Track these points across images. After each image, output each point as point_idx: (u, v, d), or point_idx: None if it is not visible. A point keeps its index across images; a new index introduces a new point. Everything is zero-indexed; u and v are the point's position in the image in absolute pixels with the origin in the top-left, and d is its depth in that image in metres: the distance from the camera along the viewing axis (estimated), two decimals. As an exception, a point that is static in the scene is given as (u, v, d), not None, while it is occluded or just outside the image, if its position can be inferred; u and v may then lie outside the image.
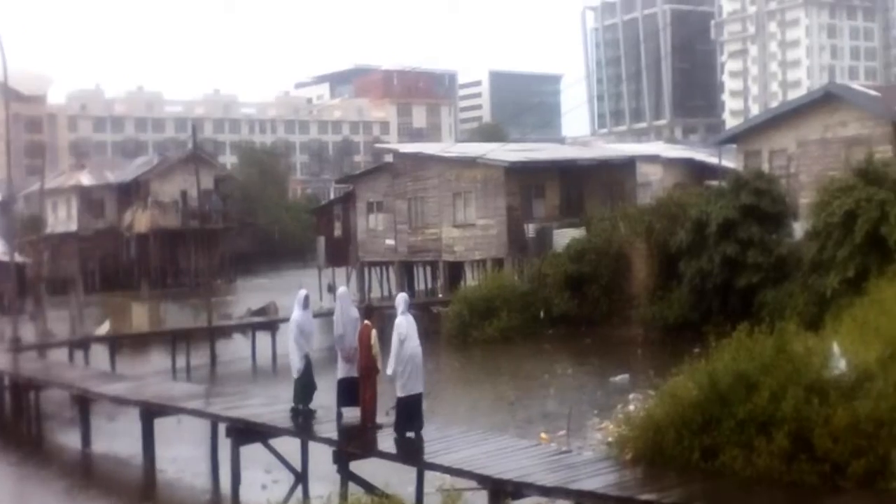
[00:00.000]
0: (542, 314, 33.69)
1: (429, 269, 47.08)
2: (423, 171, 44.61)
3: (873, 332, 13.67)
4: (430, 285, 46.67)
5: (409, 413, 14.30)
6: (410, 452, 14.11)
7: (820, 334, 14.40)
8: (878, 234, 23.98)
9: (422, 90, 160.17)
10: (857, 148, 30.57)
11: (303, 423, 16.10)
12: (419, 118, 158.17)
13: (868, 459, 10.36)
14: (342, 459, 14.47)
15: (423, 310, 40.39)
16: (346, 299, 16.51)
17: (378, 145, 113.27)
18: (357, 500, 11.96)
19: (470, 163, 42.51)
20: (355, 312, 16.18)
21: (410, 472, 14.02)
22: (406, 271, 47.17)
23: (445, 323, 34.45)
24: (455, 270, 42.94)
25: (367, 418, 15.09)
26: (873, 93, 36.76)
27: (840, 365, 11.84)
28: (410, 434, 14.32)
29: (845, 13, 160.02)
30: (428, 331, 37.25)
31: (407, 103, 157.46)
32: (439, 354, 30.72)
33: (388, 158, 51.43)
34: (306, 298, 16.69)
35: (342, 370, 15.73)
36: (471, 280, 40.37)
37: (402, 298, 14.88)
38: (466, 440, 14.84)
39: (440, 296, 41.69)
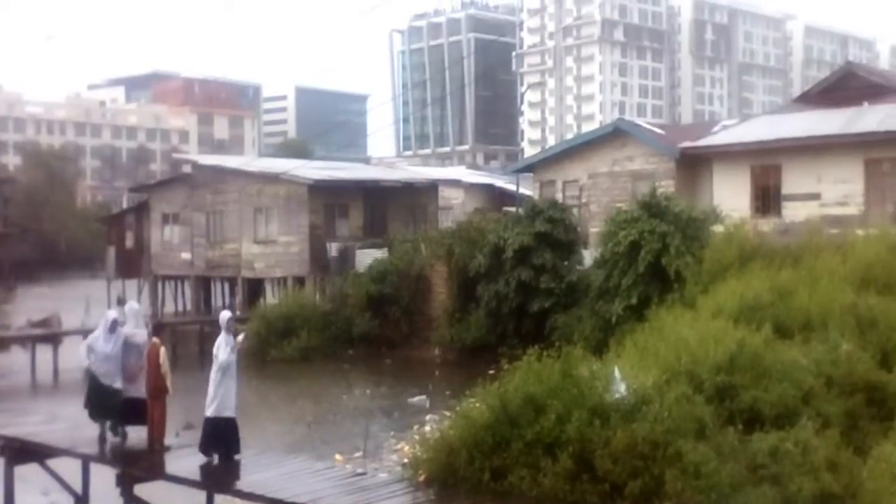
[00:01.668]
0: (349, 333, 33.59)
1: (227, 285, 46.14)
2: (223, 184, 43.74)
3: (652, 357, 14.33)
4: (228, 302, 45.74)
5: (218, 434, 13.91)
6: (201, 476, 13.72)
7: (604, 359, 15.07)
8: (660, 264, 25.36)
9: (224, 100, 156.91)
10: (643, 182, 32.30)
11: (86, 443, 15.39)
12: (221, 129, 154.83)
13: (644, 480, 10.82)
14: (125, 482, 13.97)
15: (218, 327, 39.58)
16: (132, 316, 15.87)
17: (176, 155, 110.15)
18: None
19: (273, 178, 42.06)
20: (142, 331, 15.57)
21: (200, 496, 13.64)
22: (203, 286, 46.04)
23: (243, 341, 33.82)
24: (255, 287, 42.31)
25: (154, 439, 14.63)
26: (658, 130, 38.92)
27: (621, 389, 12.28)
28: (215, 455, 13.94)
29: (636, 52, 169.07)
30: (225, 349, 36.30)
31: (208, 113, 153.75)
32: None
33: (187, 169, 50.17)
34: (114, 323, 15.55)
35: (126, 390, 15.17)
36: (271, 298, 39.87)
37: (224, 316, 14.54)
38: (260, 462, 14.58)
39: (238, 313, 40.83)
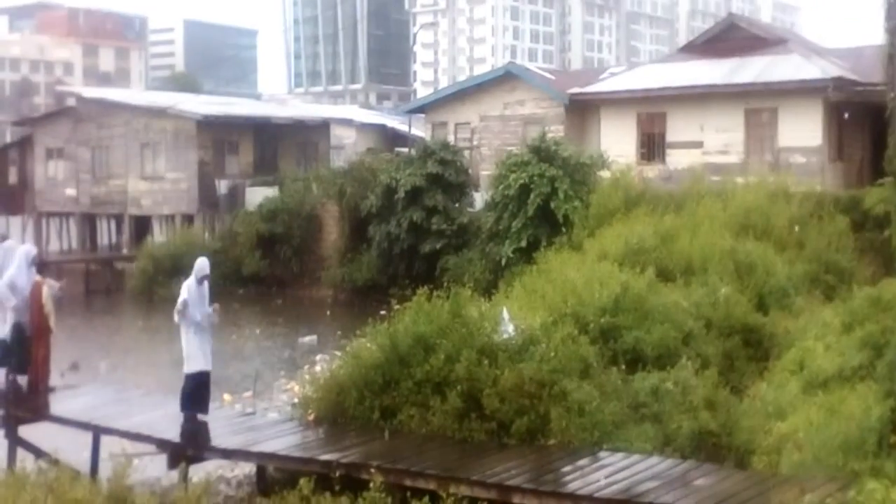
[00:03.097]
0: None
1: (113, 222, 44.88)
2: (109, 118, 42.29)
3: (540, 299, 14.69)
4: (114, 240, 44.55)
5: (200, 391, 13.23)
6: (87, 416, 13.54)
7: (493, 300, 15.35)
8: (549, 207, 25.78)
9: (110, 32, 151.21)
10: (533, 126, 32.68)
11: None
12: (107, 61, 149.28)
13: (530, 418, 11.15)
14: (9, 424, 13.67)
15: (106, 265, 38.65)
16: (12, 253, 15.35)
17: (60, 87, 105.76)
18: (23, 468, 11.33)
19: (160, 112, 40.89)
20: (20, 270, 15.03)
21: (86, 437, 13.42)
22: (88, 223, 44.67)
23: (130, 280, 33.17)
24: (142, 225, 41.25)
25: (38, 380, 14.30)
26: (549, 76, 39.23)
27: (509, 329, 12.53)
28: (202, 416, 13.24)
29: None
30: (111, 288, 35.72)
31: (93, 45, 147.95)
32: (122, 313, 29.57)
33: (72, 102, 48.27)
34: (34, 257, 14.97)
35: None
36: (159, 236, 39.03)
37: (201, 263, 13.49)
38: (146, 403, 14.52)
39: (125, 251, 40.03)
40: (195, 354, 13.06)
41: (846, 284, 16.79)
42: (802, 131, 28.46)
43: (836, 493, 8.75)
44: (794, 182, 23.58)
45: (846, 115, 28.74)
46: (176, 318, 13.10)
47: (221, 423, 13.26)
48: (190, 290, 13.07)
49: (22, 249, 15.21)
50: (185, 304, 12.95)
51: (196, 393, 13.03)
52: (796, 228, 20.37)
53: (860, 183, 27.01)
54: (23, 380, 14.53)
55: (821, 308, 15.44)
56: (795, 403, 11.01)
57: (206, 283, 13.37)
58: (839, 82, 28.16)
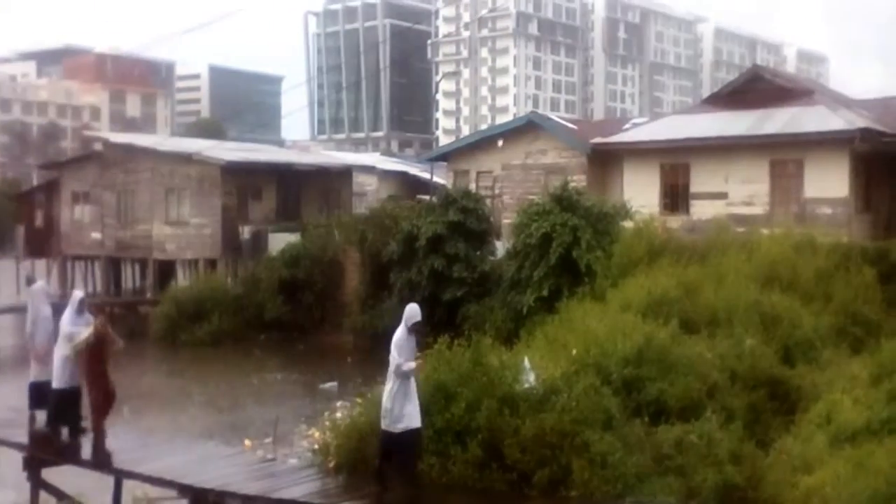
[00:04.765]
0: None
1: (138, 266, 45.25)
2: (135, 163, 42.78)
3: (561, 348, 14.56)
4: (138, 284, 44.88)
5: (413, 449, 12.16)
6: (110, 460, 13.54)
7: (514, 349, 15.29)
8: (571, 257, 25.68)
9: (137, 78, 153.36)
10: (555, 175, 32.65)
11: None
12: (133, 107, 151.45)
13: (552, 469, 11.05)
14: (32, 466, 13.68)
15: (129, 309, 38.86)
16: (41, 295, 15.52)
17: (87, 132, 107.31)
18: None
19: (185, 159, 41.34)
20: (48, 310, 15.22)
21: (108, 481, 13.42)
22: (113, 267, 45.06)
23: (153, 324, 33.32)
24: (166, 269, 41.58)
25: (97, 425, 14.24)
26: (571, 125, 39.36)
27: (530, 379, 12.48)
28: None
29: (549, 47, 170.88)
30: (134, 331, 35.86)
31: (120, 90, 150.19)
32: (145, 356, 29.64)
33: (98, 147, 48.94)
34: (81, 302, 14.73)
35: (35, 372, 14.83)
36: (182, 280, 39.26)
37: (412, 311, 11.99)
38: (168, 447, 14.51)
39: (149, 295, 40.24)
40: (410, 412, 11.43)
41: (874, 337, 16.55)
42: (829, 182, 28.35)
43: (864, 550, 8.59)
44: (820, 233, 23.44)
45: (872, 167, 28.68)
46: (395, 375, 11.51)
47: (241, 469, 13.24)
48: (400, 343, 11.65)
49: (76, 295, 15.09)
50: (407, 371, 11.46)
51: (410, 452, 11.50)
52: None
53: (887, 234, 26.90)
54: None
55: (848, 361, 15.29)
56: (822, 457, 10.87)
57: (415, 334, 11.96)
58: (866, 133, 28.10)
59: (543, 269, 26.01)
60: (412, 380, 11.51)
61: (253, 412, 20.89)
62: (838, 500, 9.60)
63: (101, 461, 13.54)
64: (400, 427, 11.32)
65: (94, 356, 14.11)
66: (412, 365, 11.42)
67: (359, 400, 14.43)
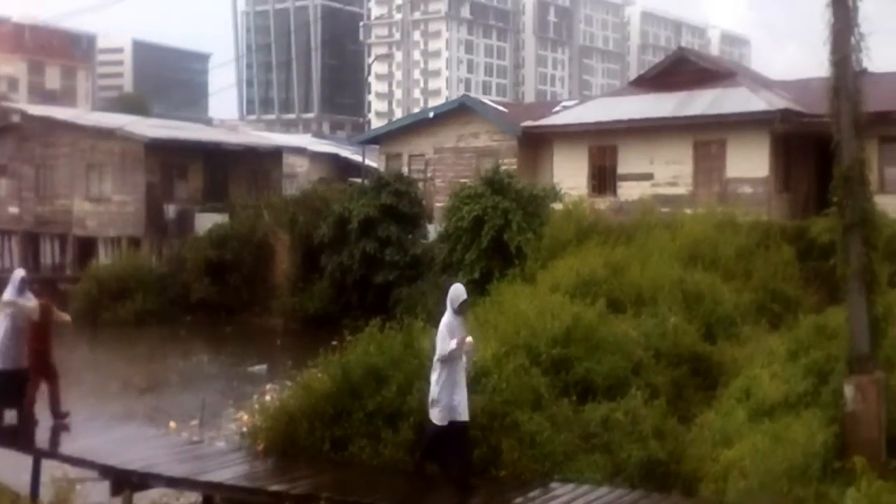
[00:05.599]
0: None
1: (57, 242, 44.15)
2: (54, 136, 41.78)
3: (492, 330, 14.64)
4: (58, 260, 43.81)
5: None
6: (25, 440, 13.25)
7: (445, 331, 15.30)
8: (502, 239, 25.92)
9: (57, 49, 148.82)
10: (487, 158, 32.87)
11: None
12: (52, 79, 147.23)
13: (482, 449, 11.08)
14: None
15: (48, 286, 37.91)
16: None
17: (4, 103, 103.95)
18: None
19: (108, 133, 40.47)
20: None
21: (26, 462, 13.02)
22: (31, 243, 43.95)
23: (73, 302, 32.57)
24: (86, 246, 40.64)
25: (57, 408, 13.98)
26: (502, 109, 39.54)
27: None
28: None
29: (482, 31, 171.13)
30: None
31: (39, 61, 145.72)
32: (64, 335, 28.90)
33: (16, 119, 47.51)
34: (23, 281, 14.30)
35: None
36: (104, 258, 38.50)
37: (457, 291, 11.14)
38: (89, 428, 14.20)
39: (69, 272, 39.37)
40: (459, 402, 10.73)
41: (792, 313, 17.00)
42: (750, 162, 28.94)
43: (781, 520, 8.84)
44: (741, 213, 23.98)
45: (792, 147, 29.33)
46: (439, 362, 10.84)
47: (166, 451, 13.07)
48: (450, 327, 10.82)
49: (17, 273, 14.63)
50: (452, 351, 10.67)
51: (457, 446, 10.83)
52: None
53: (806, 213, 27.52)
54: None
55: (767, 336, 15.67)
56: (742, 431, 11.14)
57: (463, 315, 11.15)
58: (786, 114, 28.70)
59: (475, 252, 26.17)
60: (461, 368, 10.81)
61: (178, 394, 20.61)
62: (757, 472, 9.84)
63: (21, 441, 13.24)
64: (447, 419, 10.67)
65: (37, 335, 13.84)
66: (454, 344, 10.58)
67: (288, 383, 14.36)
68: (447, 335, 10.68)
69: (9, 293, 14.19)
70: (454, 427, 10.68)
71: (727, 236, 21.17)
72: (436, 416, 10.73)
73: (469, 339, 10.84)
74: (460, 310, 10.98)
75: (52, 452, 12.79)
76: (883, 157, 26.70)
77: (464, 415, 10.71)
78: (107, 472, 12.05)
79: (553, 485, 10.64)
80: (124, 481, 11.86)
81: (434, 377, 10.81)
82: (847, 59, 10.62)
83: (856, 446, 9.40)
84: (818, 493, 8.92)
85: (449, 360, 10.64)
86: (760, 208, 27.17)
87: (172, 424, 16.06)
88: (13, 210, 43.04)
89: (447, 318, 10.88)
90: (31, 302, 14.09)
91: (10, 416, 14.07)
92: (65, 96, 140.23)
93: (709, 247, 20.28)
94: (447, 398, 10.66)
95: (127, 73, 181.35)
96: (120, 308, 31.64)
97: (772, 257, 20.85)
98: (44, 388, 13.98)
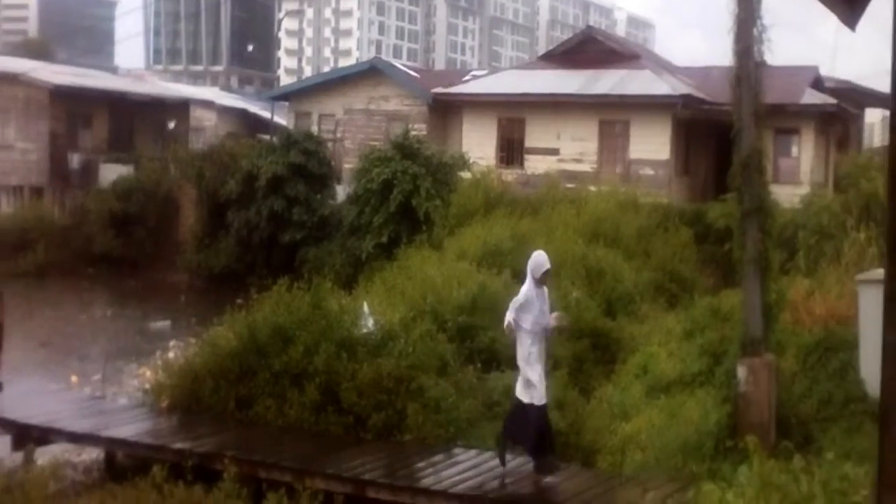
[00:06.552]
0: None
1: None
2: (-46, 81, 40.18)
3: (400, 295, 14.93)
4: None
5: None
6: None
7: (353, 294, 15.48)
8: (410, 205, 26.09)
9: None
10: (397, 123, 32.85)
11: None
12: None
13: (387, 413, 11.29)
14: None
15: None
16: None
17: None
18: None
19: (11, 79, 38.98)
20: None
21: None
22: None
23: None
24: (-14, 195, 39.36)
25: None
26: (414, 73, 39.56)
27: (369, 324, 12.68)
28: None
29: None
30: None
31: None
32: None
33: (-88, 62, 45.55)
34: None
35: None
36: (6, 206, 37.33)
37: (538, 259, 10.25)
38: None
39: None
40: (538, 384, 9.99)
41: (688, 293, 17.63)
42: (652, 145, 29.67)
43: (675, 494, 9.24)
44: (642, 193, 24.64)
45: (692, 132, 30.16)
46: (510, 334, 10.19)
47: (69, 406, 13.01)
48: (529, 298, 10.04)
49: None
50: (514, 322, 9.99)
51: (533, 428, 10.04)
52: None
53: (704, 197, 28.43)
54: None
55: (664, 315, 16.23)
56: (639, 406, 11.60)
57: (545, 285, 10.29)
58: (688, 99, 29.51)
59: (383, 216, 26.28)
60: (541, 346, 10.11)
61: (80, 348, 20.30)
62: (653, 446, 10.23)
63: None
64: (545, 398, 10.04)
65: None
66: (552, 320, 10.05)
67: (192, 340, 14.32)
68: (524, 306, 9.97)
69: None
70: (534, 409, 9.94)
71: (629, 216, 21.77)
72: (536, 397, 9.92)
73: (565, 315, 10.35)
74: (542, 280, 10.20)
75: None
76: (777, 148, 27.72)
77: (542, 396, 10.04)
78: (7, 425, 12.01)
79: (456, 450, 10.88)
80: (24, 436, 11.81)
81: (522, 355, 10.06)
82: (749, 49, 10.79)
83: (747, 426, 9.71)
84: (711, 469, 9.22)
85: (536, 334, 9.97)
86: (661, 190, 27.90)
87: (74, 379, 15.87)
88: None
89: (526, 287, 10.11)
90: None
91: None
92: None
93: (611, 225, 20.80)
94: (541, 375, 10.02)
95: (32, 18, 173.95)
96: (21, 259, 30.84)
97: (671, 239, 21.52)
98: None
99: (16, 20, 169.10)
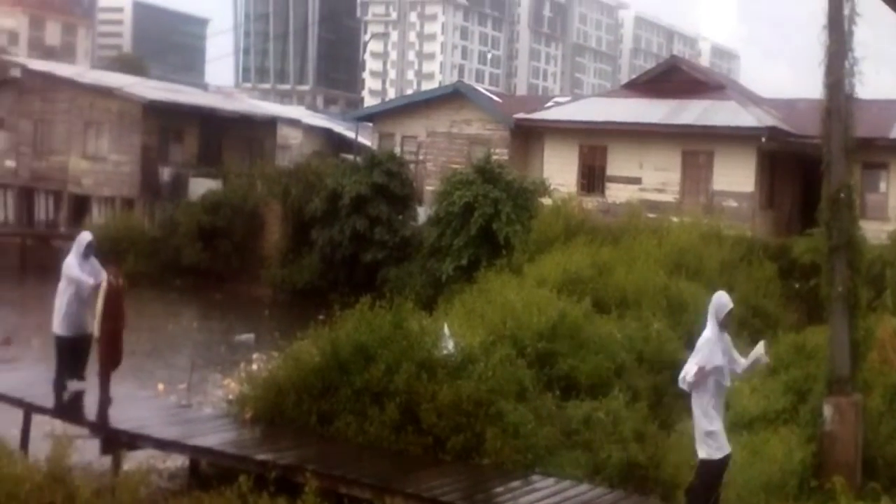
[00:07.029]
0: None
1: (52, 198, 43.97)
2: (54, 92, 41.61)
3: (479, 318, 14.87)
4: (52, 216, 43.64)
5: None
6: (16, 392, 13.34)
7: (433, 315, 15.51)
8: (491, 228, 26.19)
9: (58, 5, 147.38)
10: (479, 146, 33.09)
11: None
12: (53, 35, 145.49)
13: (466, 436, 11.24)
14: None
15: (42, 241, 37.98)
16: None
17: (4, 57, 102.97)
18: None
19: (107, 92, 40.38)
20: None
21: (16, 415, 13.17)
22: (26, 198, 43.80)
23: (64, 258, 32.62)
24: (81, 204, 40.54)
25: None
26: (496, 98, 39.76)
27: (449, 345, 12.68)
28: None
29: (477, 18, 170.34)
30: (46, 265, 35.03)
31: (40, 16, 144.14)
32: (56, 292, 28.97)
33: (16, 73, 47.30)
34: (89, 246, 13.71)
35: None
36: (98, 217, 38.51)
37: (720, 301, 9.61)
38: (81, 386, 14.39)
39: (62, 229, 39.30)
40: (719, 435, 9.23)
41: (772, 329, 17.30)
42: (736, 176, 29.35)
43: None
44: (726, 225, 24.35)
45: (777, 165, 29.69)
46: (685, 387, 9.30)
47: (155, 413, 13.22)
48: (711, 344, 9.25)
49: (80, 238, 14.01)
50: (702, 371, 9.05)
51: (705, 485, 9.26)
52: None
53: (788, 231, 28.01)
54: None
55: (747, 350, 15.93)
56: (721, 442, 11.40)
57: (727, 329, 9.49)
58: (773, 132, 29.15)
59: (464, 239, 26.42)
60: (722, 397, 9.33)
61: (167, 357, 20.76)
62: (734, 484, 10.01)
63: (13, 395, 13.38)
64: (725, 450, 9.21)
65: (107, 314, 13.27)
66: (745, 363, 9.34)
67: (275, 353, 14.51)
68: (707, 355, 9.11)
69: (73, 259, 13.71)
70: (707, 464, 9.11)
71: (712, 248, 21.46)
72: (714, 451, 9.09)
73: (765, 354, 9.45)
74: (725, 322, 9.40)
75: (45, 407, 12.89)
76: (865, 183, 27.18)
77: (721, 449, 9.17)
78: (97, 429, 12.22)
79: (534, 477, 10.77)
80: (114, 440, 12.00)
81: (698, 406, 9.20)
82: (840, 82, 10.65)
83: (833, 466, 9.53)
84: (795, 509, 9.00)
85: (719, 382, 9.18)
86: (744, 223, 27.56)
87: (161, 387, 16.23)
88: (10, 164, 42.88)
89: (709, 332, 9.30)
90: (95, 276, 13.58)
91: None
92: (64, 53, 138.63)
93: (693, 257, 20.51)
94: (719, 427, 9.17)
95: (126, 33, 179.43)
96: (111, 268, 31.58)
97: (754, 273, 21.17)
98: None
99: (111, 35, 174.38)
